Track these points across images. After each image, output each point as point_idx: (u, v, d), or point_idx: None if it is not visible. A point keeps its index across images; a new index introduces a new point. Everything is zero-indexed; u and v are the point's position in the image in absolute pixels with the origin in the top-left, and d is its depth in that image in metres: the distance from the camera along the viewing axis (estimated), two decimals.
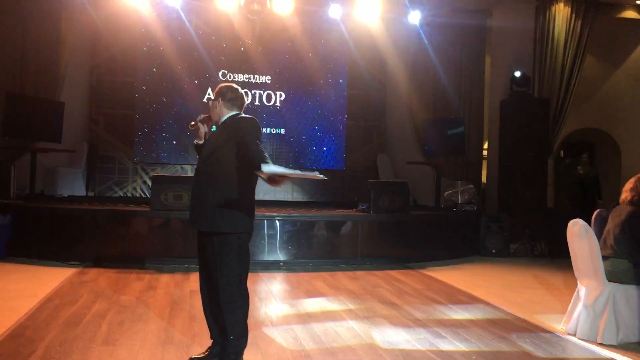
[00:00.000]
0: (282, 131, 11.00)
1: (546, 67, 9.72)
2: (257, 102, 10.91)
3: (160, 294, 5.66)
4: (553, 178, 10.42)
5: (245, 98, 3.84)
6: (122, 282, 6.09)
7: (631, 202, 4.53)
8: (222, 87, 3.78)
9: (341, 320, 4.86)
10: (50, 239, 7.26)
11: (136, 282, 6.16)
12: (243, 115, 3.72)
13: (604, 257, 4.49)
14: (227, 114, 3.70)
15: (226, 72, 10.78)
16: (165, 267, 7.00)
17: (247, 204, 3.56)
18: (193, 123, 3.86)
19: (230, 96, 3.73)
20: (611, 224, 4.59)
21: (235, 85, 3.80)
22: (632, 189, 4.57)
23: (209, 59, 10.67)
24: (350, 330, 4.56)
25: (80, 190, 9.86)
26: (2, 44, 8.73)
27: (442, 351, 4.06)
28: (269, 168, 3.15)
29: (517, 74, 9.60)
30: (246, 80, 10.85)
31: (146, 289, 5.85)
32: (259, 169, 3.18)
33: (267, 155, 3.31)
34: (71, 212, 7.42)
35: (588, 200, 8.94)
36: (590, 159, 9.47)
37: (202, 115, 3.86)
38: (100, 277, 6.29)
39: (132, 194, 10.40)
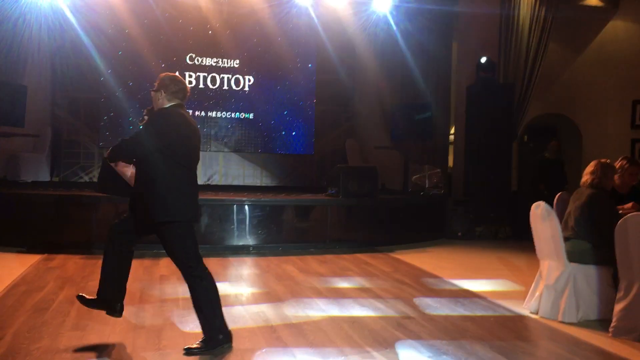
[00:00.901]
0: (251, 116, 10.96)
1: (511, 53, 9.87)
2: (225, 87, 10.83)
3: (130, 279, 5.58)
4: (517, 162, 10.64)
5: (188, 88, 3.82)
6: (89, 268, 6.03)
7: (591, 185, 4.69)
8: (164, 78, 3.75)
9: (311, 302, 4.92)
10: (14, 226, 7.13)
11: None
12: (172, 109, 3.69)
13: (565, 239, 4.65)
14: (167, 105, 3.70)
15: (194, 55, 10.66)
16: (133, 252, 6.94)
17: (181, 193, 3.61)
18: (141, 119, 3.84)
19: (173, 89, 3.71)
20: (572, 206, 4.75)
21: (179, 77, 3.81)
22: (592, 172, 4.72)
23: (176, 43, 10.53)
24: (319, 311, 4.63)
25: (44, 175, 9.67)
26: None
27: (410, 331, 4.17)
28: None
29: (483, 59, 9.72)
30: (214, 64, 10.75)
31: None
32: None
33: (123, 149, 3.68)
34: (35, 197, 7.30)
35: (555, 184, 9.10)
36: (558, 145, 9.59)
37: (148, 109, 3.84)
38: (67, 264, 6.22)
39: None
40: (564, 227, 4.73)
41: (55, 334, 3.84)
